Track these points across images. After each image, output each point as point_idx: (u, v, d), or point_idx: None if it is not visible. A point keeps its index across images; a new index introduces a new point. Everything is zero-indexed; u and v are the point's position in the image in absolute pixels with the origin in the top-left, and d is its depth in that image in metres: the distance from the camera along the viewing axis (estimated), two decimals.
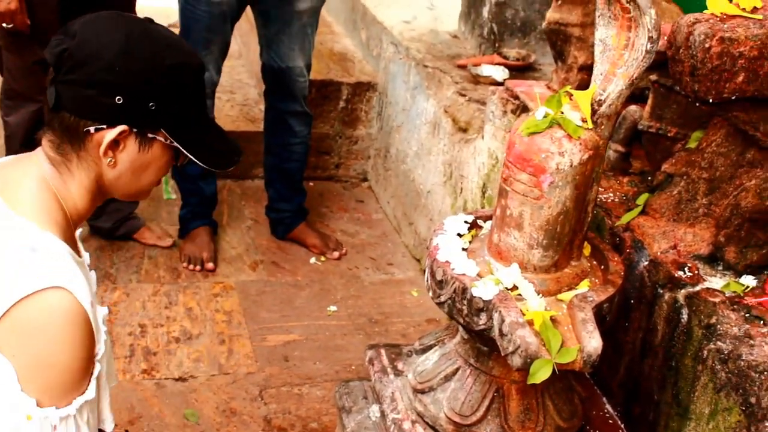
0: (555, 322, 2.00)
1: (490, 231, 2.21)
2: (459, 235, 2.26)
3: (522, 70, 3.79)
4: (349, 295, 3.66)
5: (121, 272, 3.63)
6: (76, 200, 1.72)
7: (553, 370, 1.92)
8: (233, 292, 3.58)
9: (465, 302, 2.05)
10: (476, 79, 3.70)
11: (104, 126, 1.64)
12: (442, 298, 2.11)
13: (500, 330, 1.98)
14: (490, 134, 3.20)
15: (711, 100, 2.07)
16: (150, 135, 1.71)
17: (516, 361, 1.94)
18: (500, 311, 1.99)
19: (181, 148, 1.76)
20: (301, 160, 3.89)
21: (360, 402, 2.54)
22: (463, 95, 3.59)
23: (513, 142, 2.03)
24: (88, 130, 1.64)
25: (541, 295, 2.06)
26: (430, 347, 2.35)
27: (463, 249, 2.21)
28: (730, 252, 2.23)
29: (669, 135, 2.53)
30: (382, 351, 2.52)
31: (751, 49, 2.01)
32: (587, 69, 3.03)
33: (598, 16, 2.04)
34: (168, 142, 1.74)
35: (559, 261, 2.12)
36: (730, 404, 1.99)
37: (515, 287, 2.05)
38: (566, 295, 2.07)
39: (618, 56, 2.01)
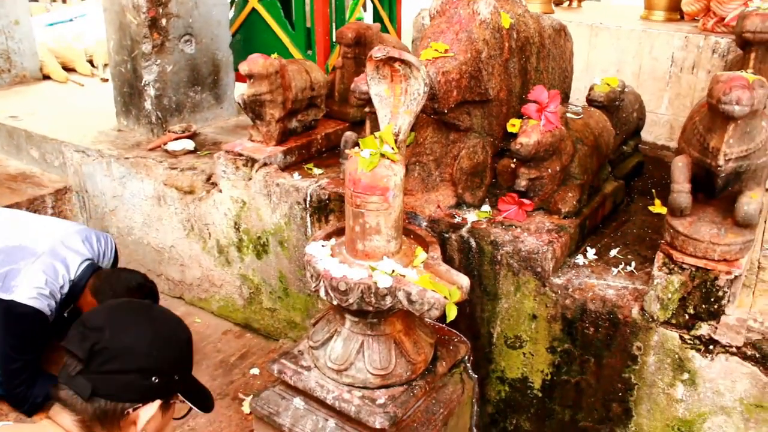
0: None
1: (346, 244, 2.27)
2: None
3: (190, 138, 3.66)
4: None
5: None
6: None
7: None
8: None
9: (372, 295, 2.12)
10: (174, 155, 3.49)
11: (140, 404, 1.48)
12: (351, 300, 2.14)
13: (409, 300, 2.10)
14: (228, 186, 3.10)
15: (445, 111, 2.35)
16: (172, 401, 1.59)
17: (434, 313, 2.08)
18: (403, 289, 2.11)
19: (192, 405, 1.66)
20: None
21: (281, 402, 2.43)
22: (175, 168, 3.37)
23: (358, 179, 2.10)
24: (127, 411, 1.46)
25: (408, 268, 2.21)
26: (329, 339, 2.34)
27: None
28: (467, 197, 2.59)
29: None
30: (283, 361, 2.43)
31: (456, 74, 2.32)
32: (282, 120, 3.10)
33: (370, 79, 2.17)
34: (182, 401, 1.63)
35: (401, 244, 2.29)
36: (527, 278, 2.38)
37: (393, 271, 2.16)
38: (417, 262, 2.24)
39: (396, 101, 2.18)
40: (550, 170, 2.47)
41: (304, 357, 2.47)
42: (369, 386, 2.30)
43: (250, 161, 3.02)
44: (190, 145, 3.52)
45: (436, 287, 2.11)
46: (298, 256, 2.99)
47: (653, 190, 2.95)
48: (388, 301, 2.13)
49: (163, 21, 3.47)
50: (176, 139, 3.57)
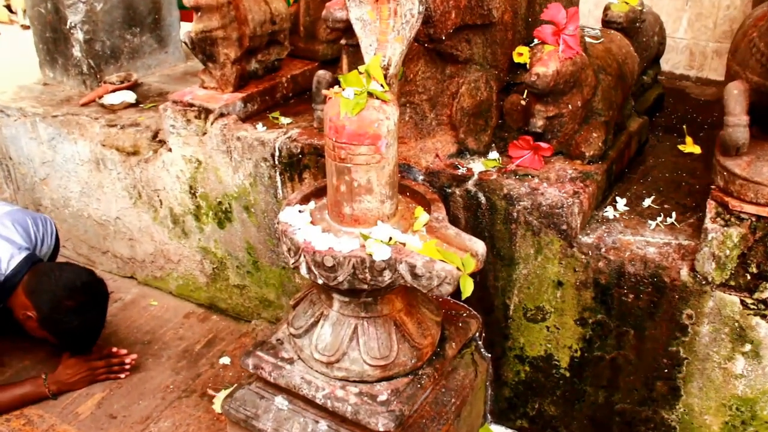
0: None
1: (329, 207, 1.89)
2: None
3: (131, 89, 3.20)
4: (110, 332, 2.88)
5: None
6: None
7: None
8: None
9: (366, 270, 1.76)
10: (112, 109, 3.04)
11: None
12: (340, 279, 1.78)
13: (414, 274, 1.74)
14: (179, 144, 2.68)
15: (443, 37, 1.97)
16: None
17: (446, 289, 1.74)
18: (405, 261, 1.76)
19: None
20: None
21: (260, 403, 2.08)
22: (114, 126, 2.93)
23: (342, 126, 1.73)
24: None
25: (408, 234, 1.85)
26: (314, 325, 1.98)
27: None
28: (471, 142, 2.22)
29: None
30: (260, 353, 2.07)
31: None
32: (238, 61, 2.67)
33: (349, 0, 1.77)
34: None
35: (397, 204, 1.92)
36: (549, 238, 2.04)
37: (391, 239, 1.80)
38: (418, 225, 1.88)
39: (384, 26, 1.79)
40: (570, 106, 2.10)
41: (285, 347, 2.12)
42: (367, 380, 1.96)
43: (204, 112, 2.60)
44: (130, 97, 3.07)
45: (446, 256, 1.76)
46: (268, 223, 2.60)
47: (684, 126, 2.62)
48: (387, 276, 1.77)
49: None
50: (114, 90, 3.12)
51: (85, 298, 2.44)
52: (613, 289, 2.00)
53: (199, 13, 2.51)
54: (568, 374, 2.19)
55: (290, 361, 2.04)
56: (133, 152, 2.86)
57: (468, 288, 1.73)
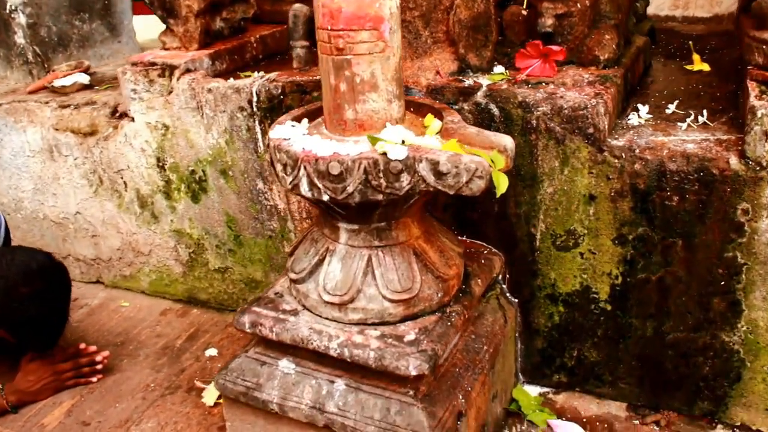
0: None
1: (327, 117, 1.62)
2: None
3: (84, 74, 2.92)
4: (77, 338, 2.49)
5: None
6: None
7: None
8: None
9: (381, 174, 1.48)
10: (64, 92, 2.73)
11: None
12: (350, 188, 1.50)
13: (437, 172, 1.47)
14: (142, 110, 2.38)
15: None
16: None
17: (477, 185, 1.47)
18: (426, 158, 1.48)
19: None
20: None
21: (261, 371, 1.76)
22: (67, 107, 2.62)
23: (338, 9, 1.48)
24: None
25: (422, 138, 1.58)
26: (319, 264, 1.68)
27: None
28: (472, 58, 1.98)
29: None
30: (257, 308, 1.75)
31: None
32: (203, 14, 2.41)
33: None
34: None
35: (404, 110, 1.66)
36: (576, 145, 1.80)
37: (404, 141, 1.53)
38: (431, 131, 1.62)
39: None
40: (579, 5, 1.89)
41: (285, 299, 1.81)
42: (388, 320, 1.66)
43: (168, 69, 2.32)
44: (83, 78, 2.77)
45: (475, 152, 1.49)
46: (249, 186, 2.30)
47: (690, 43, 2.44)
48: (405, 181, 1.50)
49: None
50: (65, 76, 2.82)
51: (42, 283, 2.10)
52: (653, 193, 1.75)
53: None
54: (609, 307, 1.92)
55: (294, 313, 1.73)
56: (91, 132, 2.54)
57: (503, 184, 1.46)
